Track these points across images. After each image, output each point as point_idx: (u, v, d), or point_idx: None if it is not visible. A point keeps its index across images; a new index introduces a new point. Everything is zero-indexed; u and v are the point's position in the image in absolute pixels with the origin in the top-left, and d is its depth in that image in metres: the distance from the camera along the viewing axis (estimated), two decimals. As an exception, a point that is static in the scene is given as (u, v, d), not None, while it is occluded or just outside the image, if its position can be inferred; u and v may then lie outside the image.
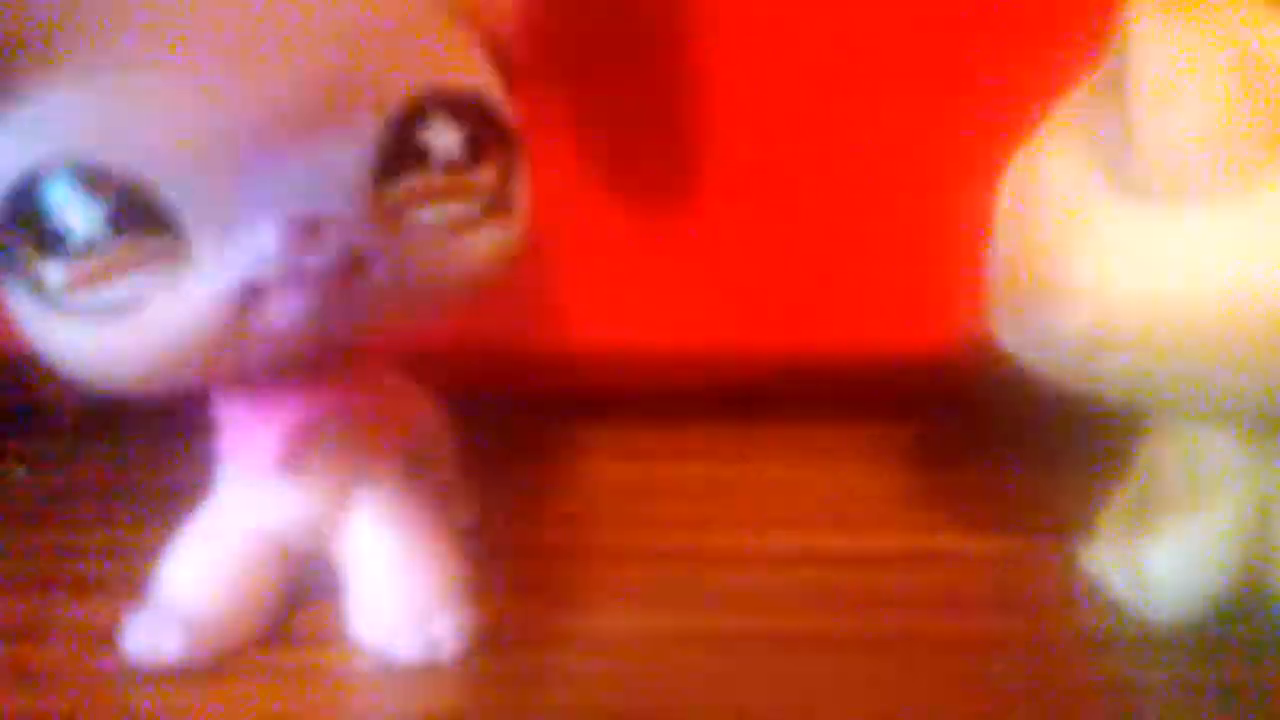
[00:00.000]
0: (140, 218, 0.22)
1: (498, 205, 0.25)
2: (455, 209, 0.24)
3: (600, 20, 0.35)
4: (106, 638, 0.28)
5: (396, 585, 0.27)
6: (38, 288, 0.23)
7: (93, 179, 0.22)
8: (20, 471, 0.37)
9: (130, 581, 0.30)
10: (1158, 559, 0.29)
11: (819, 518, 0.34)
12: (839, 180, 0.37)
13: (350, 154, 0.23)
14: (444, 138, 0.24)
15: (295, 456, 0.27)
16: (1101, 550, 0.30)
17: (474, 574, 0.28)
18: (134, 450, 0.37)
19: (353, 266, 0.23)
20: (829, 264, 0.38)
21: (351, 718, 0.26)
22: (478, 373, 0.35)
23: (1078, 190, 0.26)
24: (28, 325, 0.24)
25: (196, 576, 0.27)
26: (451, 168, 0.24)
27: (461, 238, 0.25)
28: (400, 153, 0.23)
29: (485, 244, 0.25)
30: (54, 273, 0.22)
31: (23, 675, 0.27)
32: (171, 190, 0.22)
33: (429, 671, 0.27)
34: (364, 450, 0.28)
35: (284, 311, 0.23)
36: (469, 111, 0.24)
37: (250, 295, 0.23)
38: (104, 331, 0.23)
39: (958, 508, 0.34)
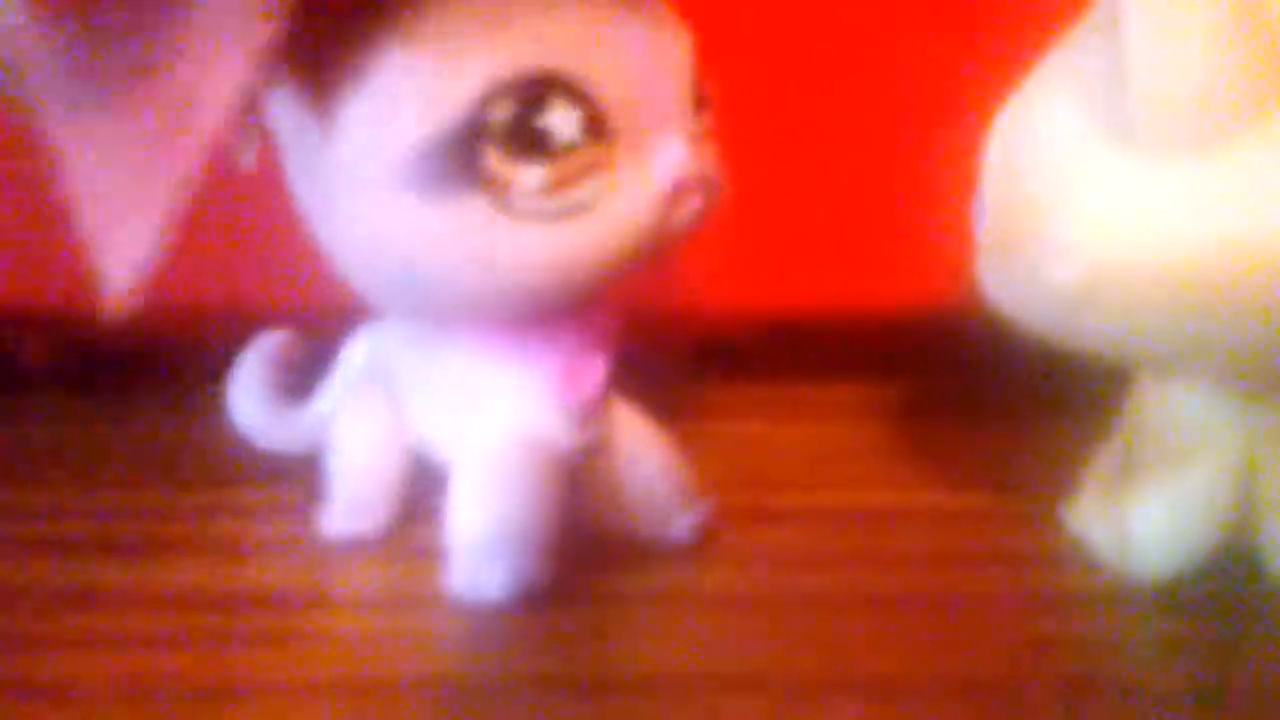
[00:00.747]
0: (597, 129, 0.26)
1: None
2: (708, 152, 0.28)
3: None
4: (85, 599, 0.28)
5: (667, 481, 0.30)
6: (503, 193, 0.26)
7: (570, 91, 0.26)
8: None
9: (110, 543, 0.30)
10: (1141, 516, 0.28)
11: (801, 475, 0.34)
12: (821, 136, 0.37)
13: (687, 92, 0.28)
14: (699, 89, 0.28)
15: (608, 382, 0.30)
16: (1085, 507, 0.30)
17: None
18: (113, 409, 0.37)
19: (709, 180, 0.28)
20: (813, 220, 0.38)
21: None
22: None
23: (1068, 140, 0.25)
24: (458, 242, 0.26)
25: (513, 506, 0.28)
26: (703, 113, 0.28)
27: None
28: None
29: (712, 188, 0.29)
30: (533, 176, 0.26)
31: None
32: (613, 107, 0.26)
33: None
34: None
35: (688, 209, 0.27)
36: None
37: (673, 194, 0.27)
38: (561, 231, 0.26)
39: (942, 465, 0.34)
